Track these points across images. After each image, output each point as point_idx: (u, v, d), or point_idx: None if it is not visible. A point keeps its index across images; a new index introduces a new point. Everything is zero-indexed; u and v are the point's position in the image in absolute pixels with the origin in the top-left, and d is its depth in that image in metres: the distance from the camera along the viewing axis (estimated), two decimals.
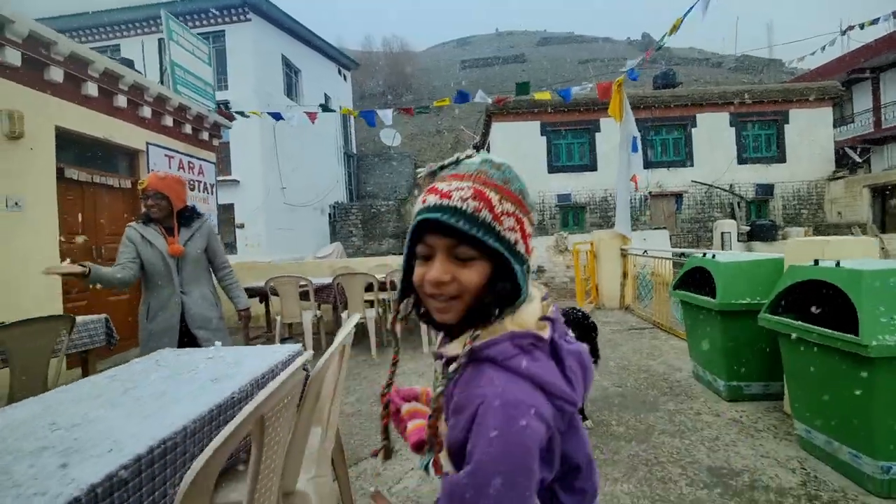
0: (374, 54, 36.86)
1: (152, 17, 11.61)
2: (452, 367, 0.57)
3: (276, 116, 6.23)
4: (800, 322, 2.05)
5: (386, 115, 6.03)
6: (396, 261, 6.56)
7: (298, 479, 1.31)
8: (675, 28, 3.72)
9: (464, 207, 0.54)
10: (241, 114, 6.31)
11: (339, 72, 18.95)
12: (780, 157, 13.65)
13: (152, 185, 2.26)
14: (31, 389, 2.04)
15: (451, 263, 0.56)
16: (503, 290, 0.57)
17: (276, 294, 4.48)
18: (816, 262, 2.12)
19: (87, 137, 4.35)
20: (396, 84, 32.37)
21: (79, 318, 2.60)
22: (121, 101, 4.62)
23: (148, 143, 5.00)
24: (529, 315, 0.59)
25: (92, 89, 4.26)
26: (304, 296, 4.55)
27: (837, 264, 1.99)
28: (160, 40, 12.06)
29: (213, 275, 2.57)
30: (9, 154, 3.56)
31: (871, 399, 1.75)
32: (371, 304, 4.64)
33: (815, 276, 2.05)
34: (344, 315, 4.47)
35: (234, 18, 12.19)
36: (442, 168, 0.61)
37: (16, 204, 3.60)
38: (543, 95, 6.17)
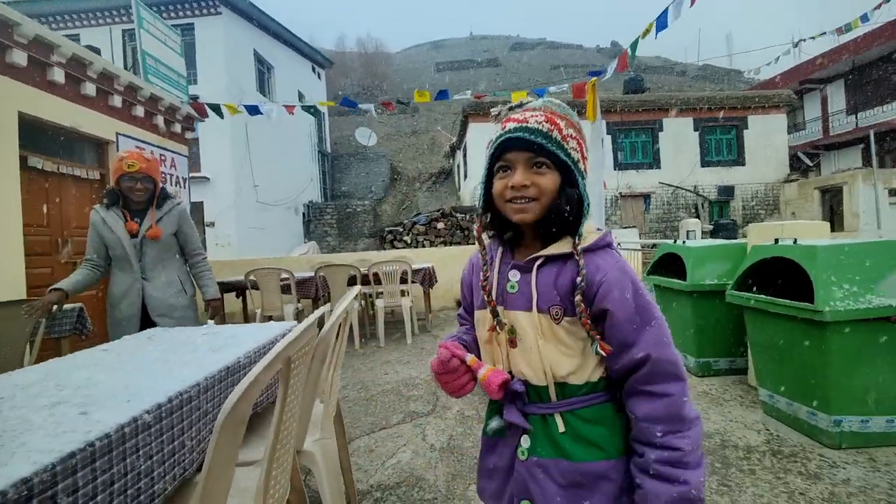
0: (348, 54, 36.52)
1: (117, 7, 11.14)
2: (581, 257, 0.70)
3: (253, 110, 6.13)
4: (762, 295, 2.24)
5: (368, 106, 6.04)
6: (377, 255, 6.56)
7: (305, 440, 1.34)
8: (647, 31, 3.93)
9: (539, 127, 0.69)
10: (216, 109, 6.17)
11: (314, 70, 18.69)
12: (740, 161, 14.47)
13: (143, 169, 2.13)
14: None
15: (530, 172, 0.71)
16: (573, 195, 0.71)
17: (255, 287, 4.41)
18: (776, 240, 2.32)
19: (52, 125, 4.15)
20: (371, 85, 32.17)
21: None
22: (89, 88, 4.44)
23: (118, 134, 4.82)
24: (588, 228, 0.75)
25: (58, 75, 4.08)
26: (284, 290, 4.50)
27: (794, 241, 2.18)
28: (124, 31, 11.58)
29: (184, 261, 2.43)
30: None
31: (825, 360, 1.94)
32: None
33: (775, 254, 2.24)
34: (327, 307, 4.45)
35: (205, 11, 11.85)
36: (511, 109, 0.75)
37: None
38: (520, 95, 6.34)
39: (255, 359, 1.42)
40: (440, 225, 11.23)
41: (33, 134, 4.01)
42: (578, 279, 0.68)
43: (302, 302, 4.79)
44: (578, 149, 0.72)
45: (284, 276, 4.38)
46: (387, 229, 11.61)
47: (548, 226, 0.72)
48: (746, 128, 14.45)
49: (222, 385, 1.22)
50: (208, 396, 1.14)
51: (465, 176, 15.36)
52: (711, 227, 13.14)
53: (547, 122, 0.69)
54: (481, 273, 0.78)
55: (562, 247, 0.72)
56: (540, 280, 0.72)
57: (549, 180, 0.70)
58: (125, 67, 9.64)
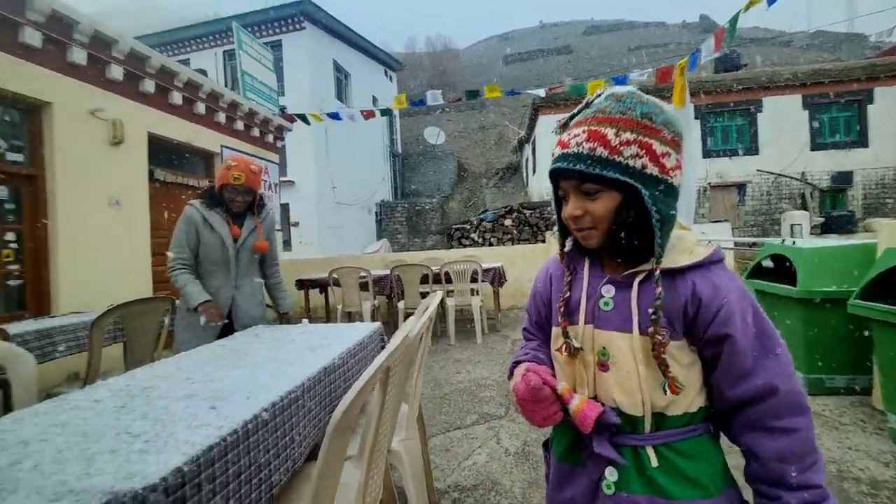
0: (417, 55, 37.34)
1: (219, 31, 12.48)
2: (658, 281, 0.64)
3: (334, 117, 6.53)
4: None
5: (436, 95, 6.15)
6: (446, 254, 6.69)
7: (393, 440, 1.43)
8: (753, 2, 3.50)
9: (579, 150, 0.63)
10: (303, 118, 6.67)
11: (386, 73, 19.42)
12: (862, 142, 12.38)
13: (249, 182, 2.06)
14: (140, 362, 2.33)
15: (581, 200, 0.66)
16: (626, 217, 0.64)
17: (337, 284, 4.73)
18: None
19: (171, 142, 4.81)
20: (440, 83, 32.66)
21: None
22: (200, 107, 5.06)
23: (222, 146, 5.44)
24: (691, 240, 0.69)
25: (177, 98, 4.71)
26: (362, 287, 4.78)
27: None
28: (225, 52, 12.95)
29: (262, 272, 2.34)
30: (111, 158, 4.02)
31: None
32: (427, 294, 4.79)
33: None
34: (400, 305, 4.64)
35: (291, 28, 12.84)
36: (564, 126, 0.70)
37: (116, 202, 4.07)
38: (597, 86, 6.02)
39: (348, 360, 1.54)
40: (508, 222, 11.11)
41: (157, 150, 4.68)
42: (657, 301, 0.63)
43: (378, 298, 5.04)
44: (643, 152, 0.62)
45: (363, 274, 4.64)
46: (454, 227, 11.76)
47: (625, 246, 0.66)
48: (871, 102, 12.31)
49: (321, 384, 1.34)
50: (311, 395, 1.26)
51: (534, 170, 14.98)
52: (822, 219, 11.43)
53: (589, 139, 0.62)
54: (563, 285, 0.74)
55: (673, 259, 0.66)
56: (642, 298, 0.66)
57: (602, 206, 0.64)
58: (225, 85, 10.82)
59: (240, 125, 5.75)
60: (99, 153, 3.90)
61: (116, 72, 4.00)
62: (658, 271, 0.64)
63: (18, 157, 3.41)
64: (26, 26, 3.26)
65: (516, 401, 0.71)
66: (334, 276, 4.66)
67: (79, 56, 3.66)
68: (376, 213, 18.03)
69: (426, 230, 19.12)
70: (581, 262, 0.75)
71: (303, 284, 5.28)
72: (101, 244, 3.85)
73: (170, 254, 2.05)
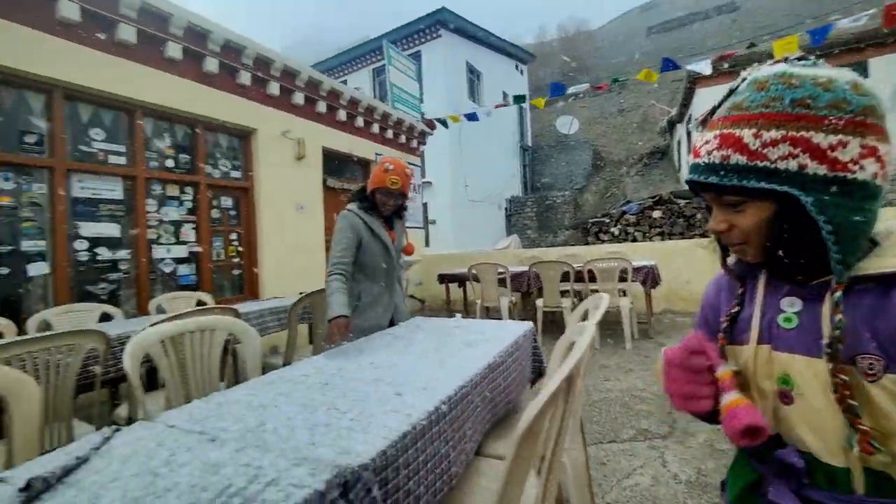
0: (548, 43, 36.05)
1: (371, 51, 14.02)
2: (841, 303, 0.50)
3: (472, 118, 6.70)
4: None
5: (580, 88, 5.80)
6: (584, 251, 6.28)
7: None
8: None
9: (710, 160, 0.54)
10: (443, 122, 7.02)
11: (516, 67, 19.24)
12: None
13: (404, 186, 2.01)
14: (321, 340, 2.74)
15: (725, 212, 0.57)
16: (784, 229, 0.52)
17: (476, 280, 4.85)
18: None
19: (338, 153, 5.57)
20: (573, 69, 30.95)
21: None
22: (359, 121, 5.75)
23: (375, 153, 6.09)
24: None
25: (342, 115, 5.43)
26: (499, 282, 4.80)
27: None
28: (374, 69, 14.48)
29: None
30: (296, 170, 4.85)
31: None
32: (566, 293, 4.56)
33: None
34: (539, 303, 4.52)
35: (429, 37, 13.70)
36: (714, 111, 0.58)
37: (301, 207, 4.88)
38: (788, 45, 4.84)
39: (506, 359, 1.52)
40: (656, 214, 9.91)
41: (327, 161, 5.47)
42: (836, 329, 0.49)
43: (513, 295, 5.01)
44: (797, 150, 0.49)
45: (501, 270, 4.66)
46: (591, 221, 11.01)
47: (791, 263, 0.55)
48: None
49: (485, 381, 1.35)
50: (477, 391, 1.28)
51: (690, 151, 13.05)
52: None
53: (721, 145, 0.53)
54: (734, 298, 0.63)
55: (885, 262, 0.50)
56: (845, 315, 0.50)
57: (750, 219, 0.54)
58: (374, 97, 12.13)
59: (389, 133, 6.35)
60: (288, 167, 4.73)
61: (299, 97, 4.79)
62: (839, 292, 0.50)
63: (238, 174, 4.36)
64: (242, 70, 4.14)
65: (662, 364, 0.61)
66: (473, 271, 4.79)
67: (274, 88, 4.49)
68: (506, 208, 18.07)
69: (557, 225, 18.39)
70: (755, 273, 0.63)
71: (444, 279, 5.56)
72: (291, 243, 4.67)
73: (331, 259, 1.93)
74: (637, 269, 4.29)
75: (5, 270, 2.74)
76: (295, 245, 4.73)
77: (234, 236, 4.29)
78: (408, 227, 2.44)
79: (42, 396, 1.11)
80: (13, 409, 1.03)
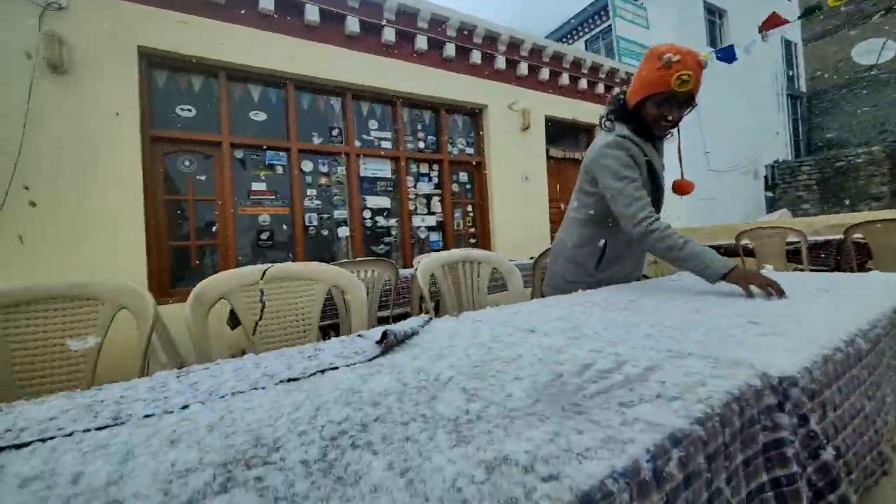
0: None
1: (594, 13, 12.99)
2: None
3: (726, 56, 5.31)
4: None
5: None
6: None
7: None
8: None
9: None
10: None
11: None
12: None
13: (696, 85, 1.31)
14: None
15: None
16: None
17: (749, 253, 3.77)
18: None
19: (561, 121, 5.31)
20: None
21: None
22: (582, 83, 5.33)
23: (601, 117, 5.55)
24: None
25: (564, 79, 5.14)
26: (789, 256, 3.58)
27: None
28: (598, 33, 13.45)
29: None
30: (521, 141, 4.84)
31: None
32: None
33: None
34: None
35: None
36: None
37: (526, 178, 4.86)
38: None
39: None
40: None
41: (549, 131, 5.28)
42: None
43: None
44: None
45: (793, 239, 3.46)
46: None
47: None
48: None
49: (889, 337, 0.84)
50: (888, 343, 0.80)
51: None
52: None
53: None
54: None
55: None
56: None
57: None
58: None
59: (617, 92, 5.68)
60: (513, 139, 4.78)
61: (523, 67, 4.76)
62: None
63: (471, 151, 4.65)
64: (473, 50, 4.36)
65: None
66: (745, 241, 3.73)
67: (500, 62, 4.58)
68: (766, 176, 14.05)
69: (856, 195, 13.13)
70: None
71: None
72: (517, 212, 4.73)
73: (631, 204, 1.33)
74: None
75: (325, 232, 3.66)
76: (521, 215, 4.75)
77: (469, 208, 4.62)
78: None
79: (366, 300, 1.26)
80: (350, 298, 1.20)
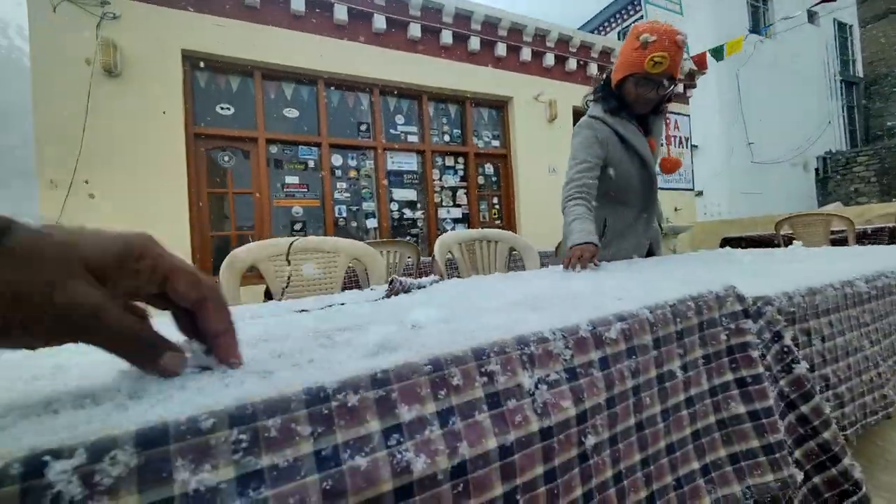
0: None
1: (622, 8, 12.68)
2: None
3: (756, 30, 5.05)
4: None
5: None
6: None
7: None
8: None
9: None
10: (717, 52, 5.61)
11: None
12: None
13: (673, 66, 1.33)
14: None
15: None
16: None
17: (789, 244, 3.58)
18: None
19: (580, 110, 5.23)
20: None
21: None
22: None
23: None
24: None
25: (593, 68, 5.07)
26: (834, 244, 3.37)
27: None
28: (622, 31, 13.14)
29: None
30: (547, 133, 4.80)
31: None
32: None
33: None
34: None
35: None
36: None
37: (553, 170, 4.82)
38: None
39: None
40: None
41: (576, 121, 5.20)
42: None
43: None
44: None
45: (837, 227, 3.27)
46: None
47: None
48: None
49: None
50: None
51: None
52: None
53: None
54: None
55: None
56: None
57: None
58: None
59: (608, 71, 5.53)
60: (539, 130, 4.75)
61: (549, 59, 4.73)
62: None
63: (496, 143, 4.67)
64: (498, 42, 4.38)
65: None
66: (785, 230, 3.55)
67: (526, 54, 4.57)
68: (817, 169, 13.17)
69: None
70: None
71: (728, 243, 4.40)
72: (543, 204, 4.69)
73: (567, 179, 1.41)
74: None
75: (354, 223, 3.79)
76: (547, 206, 4.70)
77: (495, 200, 4.63)
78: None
79: (385, 269, 1.33)
80: (370, 269, 1.28)
